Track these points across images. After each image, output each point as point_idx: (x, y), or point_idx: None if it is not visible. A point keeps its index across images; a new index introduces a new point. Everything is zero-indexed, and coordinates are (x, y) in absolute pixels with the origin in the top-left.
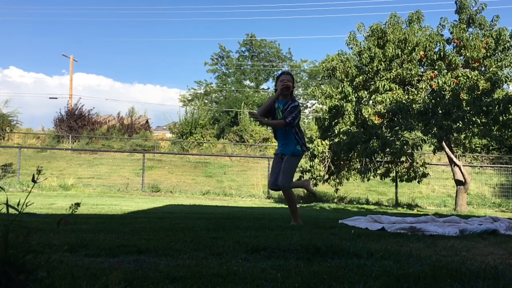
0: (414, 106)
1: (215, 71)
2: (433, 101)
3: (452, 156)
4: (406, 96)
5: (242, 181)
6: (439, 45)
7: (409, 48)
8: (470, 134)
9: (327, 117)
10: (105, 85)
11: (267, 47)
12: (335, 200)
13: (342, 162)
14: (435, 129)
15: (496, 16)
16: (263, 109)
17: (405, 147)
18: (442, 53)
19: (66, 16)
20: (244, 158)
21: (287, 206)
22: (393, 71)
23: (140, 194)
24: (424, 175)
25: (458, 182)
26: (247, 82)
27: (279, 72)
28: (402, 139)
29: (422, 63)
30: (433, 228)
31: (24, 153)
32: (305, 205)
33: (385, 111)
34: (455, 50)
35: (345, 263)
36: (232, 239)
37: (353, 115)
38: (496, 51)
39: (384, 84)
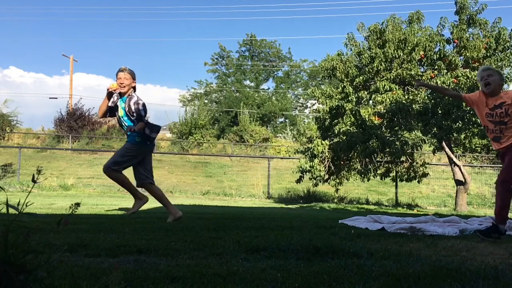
0: (414, 106)
1: (215, 71)
2: (432, 101)
3: (452, 156)
4: (406, 96)
5: (242, 181)
6: (439, 45)
7: (409, 48)
8: (470, 134)
9: (327, 117)
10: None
11: (267, 47)
12: (335, 200)
13: (342, 162)
14: (435, 129)
15: (498, 18)
16: (102, 110)
17: (405, 147)
18: (442, 53)
19: (66, 16)
20: (244, 158)
21: (287, 206)
22: (393, 71)
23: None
24: (424, 175)
25: (458, 182)
26: (247, 82)
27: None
28: (402, 139)
29: (422, 63)
30: (433, 228)
31: (24, 153)
32: (305, 205)
33: (385, 111)
34: (455, 50)
35: (345, 263)
36: (232, 239)
37: (353, 115)
38: (496, 51)
39: (384, 84)
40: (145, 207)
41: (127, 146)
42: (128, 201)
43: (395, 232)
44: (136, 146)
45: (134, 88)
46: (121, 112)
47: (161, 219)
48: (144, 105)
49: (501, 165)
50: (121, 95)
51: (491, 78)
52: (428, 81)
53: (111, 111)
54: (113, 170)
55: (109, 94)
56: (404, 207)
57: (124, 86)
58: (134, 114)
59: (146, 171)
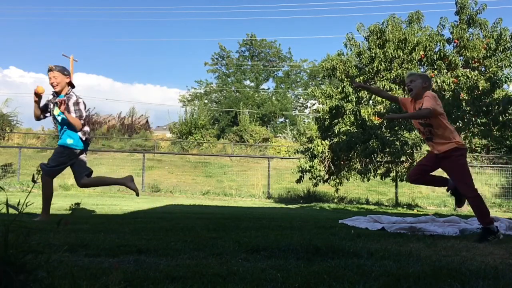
0: None
1: (215, 71)
2: None
3: None
4: (406, 96)
5: (242, 181)
6: (439, 45)
7: (409, 48)
8: (470, 134)
9: (327, 117)
10: (105, 85)
11: (267, 47)
12: (335, 200)
13: (342, 162)
14: None
15: (499, 18)
16: (36, 114)
17: (405, 147)
18: (442, 53)
19: (66, 16)
20: (244, 158)
21: (287, 206)
22: (393, 71)
23: (140, 194)
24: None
25: None
26: (247, 82)
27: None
28: (402, 139)
29: (422, 63)
30: (433, 228)
31: (24, 153)
32: (305, 205)
33: (385, 111)
34: (455, 50)
35: (345, 263)
36: (232, 239)
37: (353, 115)
38: (497, 51)
39: (384, 84)
40: (145, 207)
41: (61, 150)
42: (128, 201)
43: (395, 232)
44: (69, 149)
45: (70, 84)
46: (56, 111)
47: (161, 219)
48: (84, 103)
49: (501, 165)
50: (57, 93)
51: (413, 84)
52: None
53: (45, 110)
54: (82, 180)
55: (38, 97)
56: (404, 207)
57: (57, 85)
58: (73, 115)
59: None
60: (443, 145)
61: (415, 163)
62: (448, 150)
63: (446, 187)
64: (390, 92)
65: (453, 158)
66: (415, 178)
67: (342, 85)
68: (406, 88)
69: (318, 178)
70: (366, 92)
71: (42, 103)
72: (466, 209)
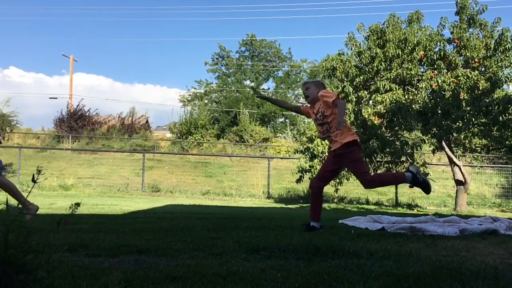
0: (414, 106)
1: (215, 71)
2: (432, 101)
3: (452, 156)
4: (406, 96)
5: (242, 181)
6: (439, 45)
7: (409, 48)
8: (470, 134)
9: None
10: (105, 85)
11: (267, 47)
12: (335, 200)
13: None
14: (434, 129)
15: (498, 18)
16: None
17: (405, 147)
18: (442, 53)
19: (66, 16)
20: (244, 158)
21: (287, 206)
22: (393, 71)
23: (140, 194)
24: (424, 174)
25: (458, 182)
26: (247, 82)
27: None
28: (402, 139)
29: (422, 63)
30: (433, 228)
31: (24, 153)
32: (305, 205)
33: (385, 111)
34: (455, 50)
35: (345, 263)
36: (232, 239)
37: (353, 115)
38: (497, 52)
39: (385, 84)
40: (145, 206)
41: None
42: (128, 201)
43: (395, 232)
44: None
45: None
46: None
47: (161, 219)
48: None
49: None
50: None
51: (308, 91)
52: (428, 81)
53: None
54: None
55: None
56: (404, 207)
57: None
58: None
59: None
60: (340, 141)
61: (415, 163)
62: (344, 145)
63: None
64: (390, 92)
65: (349, 153)
66: (317, 188)
67: (342, 85)
68: (303, 95)
69: None
70: (366, 92)
71: None
72: (466, 209)
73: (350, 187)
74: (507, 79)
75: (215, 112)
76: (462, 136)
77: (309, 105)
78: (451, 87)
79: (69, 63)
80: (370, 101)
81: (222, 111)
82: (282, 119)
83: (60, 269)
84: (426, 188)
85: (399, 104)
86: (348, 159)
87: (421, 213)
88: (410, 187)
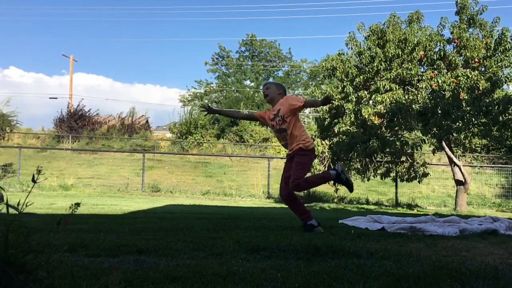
0: (414, 106)
1: (215, 71)
2: (432, 101)
3: (452, 156)
4: (406, 96)
5: (242, 181)
6: (439, 45)
7: (409, 48)
8: (470, 134)
9: (327, 116)
10: (105, 85)
11: (267, 47)
12: (335, 200)
13: (342, 162)
14: (434, 129)
15: (497, 18)
16: None
17: (405, 147)
18: (442, 53)
19: (66, 16)
20: (244, 158)
21: (287, 206)
22: (393, 71)
23: (140, 194)
24: (425, 174)
25: (458, 182)
26: (247, 82)
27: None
28: (402, 139)
29: (422, 63)
30: (433, 228)
31: (24, 153)
32: (305, 205)
33: (385, 111)
34: (455, 50)
35: (345, 263)
36: (232, 239)
37: (353, 115)
38: (497, 52)
39: (385, 84)
40: (145, 207)
41: None
42: (128, 201)
43: (395, 232)
44: None
45: None
46: None
47: (161, 219)
48: None
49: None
50: None
51: (268, 91)
52: (428, 81)
53: None
54: None
55: None
56: (404, 207)
57: None
58: None
59: None
60: (294, 144)
61: (415, 163)
62: (297, 149)
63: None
64: (390, 92)
65: (300, 156)
66: (287, 195)
67: (342, 85)
68: (263, 95)
69: None
70: (366, 92)
71: None
72: (466, 209)
73: None
74: (507, 79)
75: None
76: (462, 136)
77: (265, 112)
78: (451, 87)
79: (69, 63)
80: (370, 101)
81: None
82: None
83: (60, 269)
84: (349, 187)
85: (399, 104)
86: (296, 160)
87: (421, 213)
88: (334, 184)
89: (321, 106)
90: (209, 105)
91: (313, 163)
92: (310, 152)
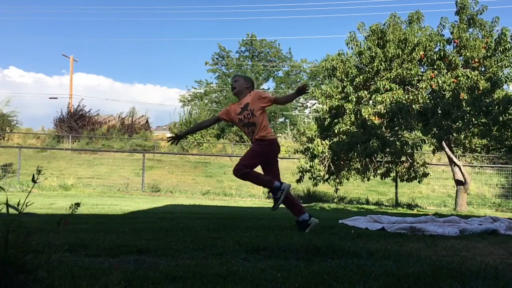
0: (414, 106)
1: (215, 71)
2: (432, 101)
3: (452, 156)
4: (406, 96)
5: (242, 181)
6: (439, 45)
7: (409, 48)
8: (470, 134)
9: (327, 116)
10: (105, 85)
11: (267, 47)
12: (335, 200)
13: (342, 162)
14: (434, 129)
15: (496, 17)
16: None
17: (405, 147)
18: (442, 53)
19: (66, 16)
20: None
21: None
22: (393, 71)
23: (140, 194)
24: (425, 174)
25: (458, 182)
26: None
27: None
28: (402, 139)
29: (422, 63)
30: (433, 228)
31: (24, 153)
32: (305, 205)
33: (385, 111)
34: (455, 50)
35: (345, 263)
36: (232, 239)
37: (353, 115)
38: (497, 52)
39: (385, 84)
40: (145, 207)
41: None
42: (128, 201)
43: (395, 232)
44: None
45: None
46: None
47: (161, 219)
48: None
49: (500, 165)
50: None
51: (236, 83)
52: (428, 81)
53: None
54: None
55: None
56: (404, 207)
57: None
58: None
59: None
60: (256, 136)
61: (415, 163)
62: (256, 138)
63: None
64: (390, 92)
65: (255, 145)
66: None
67: (342, 85)
68: (231, 87)
69: (318, 178)
70: (366, 92)
71: None
72: (466, 209)
73: (350, 187)
74: (507, 79)
75: (215, 112)
76: (462, 136)
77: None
78: (451, 87)
79: (69, 63)
80: (370, 101)
81: None
82: (282, 119)
83: (60, 269)
84: (275, 205)
85: (399, 104)
86: (251, 148)
87: (421, 213)
88: (268, 192)
89: (297, 97)
90: (176, 133)
91: (313, 163)
92: (266, 142)
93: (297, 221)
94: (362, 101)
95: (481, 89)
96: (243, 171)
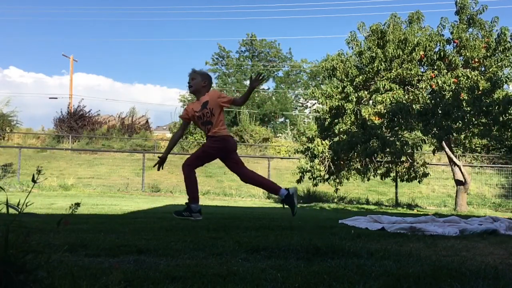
0: (414, 106)
1: (215, 71)
2: (433, 101)
3: (452, 156)
4: (406, 96)
5: (242, 181)
6: (439, 45)
7: (409, 48)
8: (470, 134)
9: (327, 116)
10: (105, 85)
11: (267, 47)
12: (335, 200)
13: (342, 162)
14: (435, 129)
15: (496, 17)
16: None
17: (405, 147)
18: (442, 53)
19: (66, 16)
20: (244, 158)
21: (287, 206)
22: (393, 71)
23: (140, 194)
24: (425, 174)
25: (458, 182)
26: (247, 82)
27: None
28: (402, 139)
29: (422, 63)
30: (433, 228)
31: (24, 153)
32: (305, 205)
33: (385, 111)
34: (455, 50)
35: (345, 263)
36: (232, 239)
37: (353, 115)
38: (497, 51)
39: (385, 84)
40: (145, 207)
41: None
42: (128, 201)
43: (395, 232)
44: None
45: None
46: None
47: (161, 219)
48: None
49: (500, 165)
50: None
51: (193, 82)
52: (428, 81)
53: None
54: None
55: None
56: (404, 207)
57: None
58: None
59: None
60: (209, 132)
61: (415, 163)
62: (209, 135)
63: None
64: (390, 92)
65: (207, 140)
66: (243, 174)
67: (342, 85)
68: (187, 85)
69: (318, 178)
70: (366, 92)
71: None
72: (466, 209)
73: (350, 187)
74: (507, 79)
75: None
76: (462, 136)
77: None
78: (451, 88)
79: (69, 63)
80: (370, 101)
81: None
82: (282, 119)
83: (60, 269)
84: (293, 210)
85: (399, 104)
86: (204, 144)
87: (421, 213)
88: (269, 195)
89: (257, 86)
90: (159, 156)
91: (313, 164)
92: (217, 138)
93: (282, 200)
94: (362, 101)
95: (481, 89)
96: (190, 166)
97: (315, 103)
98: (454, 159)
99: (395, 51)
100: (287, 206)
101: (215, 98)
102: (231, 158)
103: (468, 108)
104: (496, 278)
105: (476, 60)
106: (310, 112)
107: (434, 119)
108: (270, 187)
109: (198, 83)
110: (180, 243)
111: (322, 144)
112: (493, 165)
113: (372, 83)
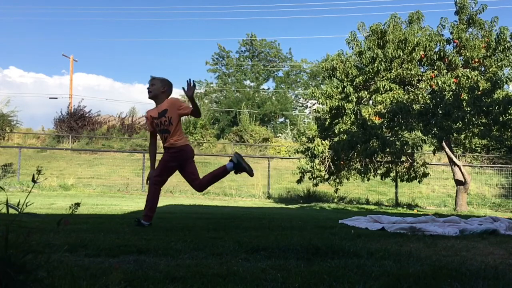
0: (414, 106)
1: (215, 71)
2: (433, 101)
3: (452, 156)
4: (406, 96)
5: (242, 181)
6: (439, 45)
7: (409, 48)
8: (470, 135)
9: (327, 117)
10: (105, 85)
11: (267, 47)
12: (335, 200)
13: (342, 162)
14: (435, 129)
15: (496, 17)
16: None
17: (405, 147)
18: (442, 53)
19: (66, 16)
20: (244, 158)
21: (287, 207)
22: (393, 71)
23: (140, 194)
24: (425, 174)
25: (458, 182)
26: (247, 82)
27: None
28: (402, 139)
29: (422, 63)
30: (433, 228)
31: (24, 153)
32: (305, 205)
33: (385, 111)
34: (455, 50)
35: (345, 263)
36: (232, 239)
37: (353, 115)
38: (496, 51)
39: (385, 84)
40: None
41: None
42: (128, 201)
43: (395, 232)
44: None
45: None
46: None
47: (161, 219)
48: None
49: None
50: None
51: (152, 87)
52: (428, 81)
53: None
54: None
55: None
56: (404, 207)
57: None
58: None
59: None
60: (167, 143)
61: (415, 163)
62: (167, 146)
63: (233, 171)
64: (390, 92)
65: (164, 153)
66: (198, 185)
67: (343, 85)
68: (147, 90)
69: (318, 178)
70: (366, 92)
71: None
72: (466, 209)
73: (350, 187)
74: (507, 79)
75: (215, 112)
76: (462, 136)
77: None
78: (451, 88)
79: (69, 63)
80: (370, 101)
81: (222, 111)
82: (282, 119)
83: (60, 269)
84: (249, 172)
85: (400, 104)
86: (163, 156)
87: (421, 213)
88: (235, 173)
89: (192, 94)
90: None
91: (313, 164)
92: (175, 149)
93: (234, 172)
94: (362, 101)
95: (481, 89)
96: (157, 185)
97: (315, 103)
98: (454, 159)
99: (395, 51)
100: (243, 173)
101: (175, 108)
102: (187, 168)
103: (468, 108)
104: (496, 278)
105: (476, 60)
106: (310, 112)
107: (434, 119)
108: (219, 172)
109: (157, 88)
110: (180, 243)
111: (322, 144)
112: (493, 165)
113: (372, 83)
